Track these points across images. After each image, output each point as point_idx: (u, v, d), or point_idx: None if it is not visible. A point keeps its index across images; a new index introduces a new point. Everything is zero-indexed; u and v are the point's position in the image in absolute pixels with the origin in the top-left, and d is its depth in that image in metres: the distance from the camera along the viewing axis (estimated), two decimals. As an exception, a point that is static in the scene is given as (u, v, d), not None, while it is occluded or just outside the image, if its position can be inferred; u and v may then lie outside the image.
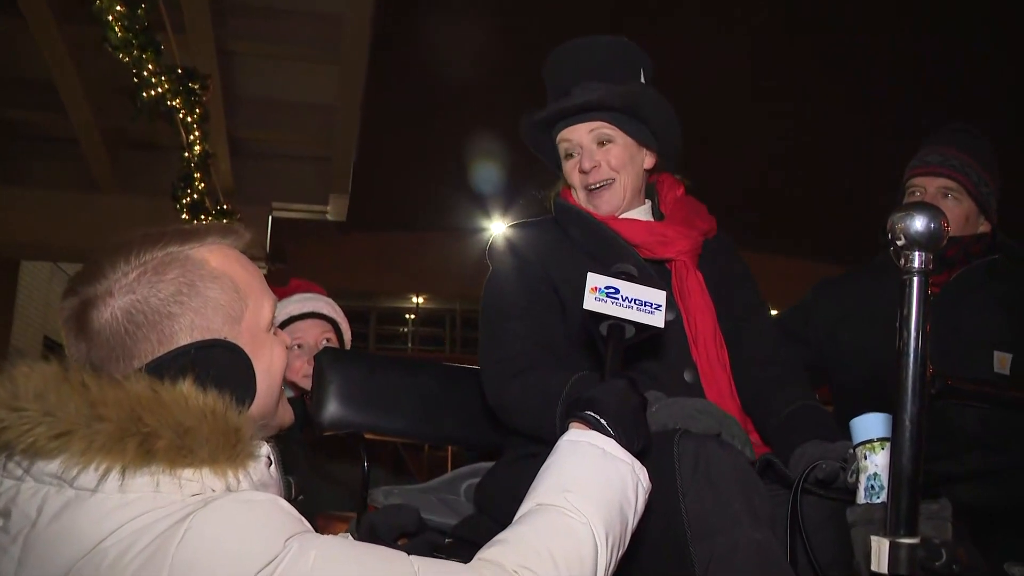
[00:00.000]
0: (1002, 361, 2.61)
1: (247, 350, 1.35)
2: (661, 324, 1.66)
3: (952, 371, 2.46)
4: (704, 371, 2.11)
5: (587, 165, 2.20)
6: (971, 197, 2.67)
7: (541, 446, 1.78)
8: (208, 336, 1.31)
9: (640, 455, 1.49)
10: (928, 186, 2.69)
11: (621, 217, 2.25)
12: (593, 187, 2.22)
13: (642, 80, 2.25)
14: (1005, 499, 2.47)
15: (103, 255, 1.33)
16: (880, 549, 1.18)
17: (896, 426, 1.20)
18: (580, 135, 2.21)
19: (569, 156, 2.25)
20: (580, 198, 2.26)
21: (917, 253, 1.21)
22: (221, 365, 1.30)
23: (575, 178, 2.24)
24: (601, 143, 2.20)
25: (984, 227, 2.72)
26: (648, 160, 2.27)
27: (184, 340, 1.29)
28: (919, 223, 1.20)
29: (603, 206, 2.22)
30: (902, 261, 1.22)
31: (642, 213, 2.29)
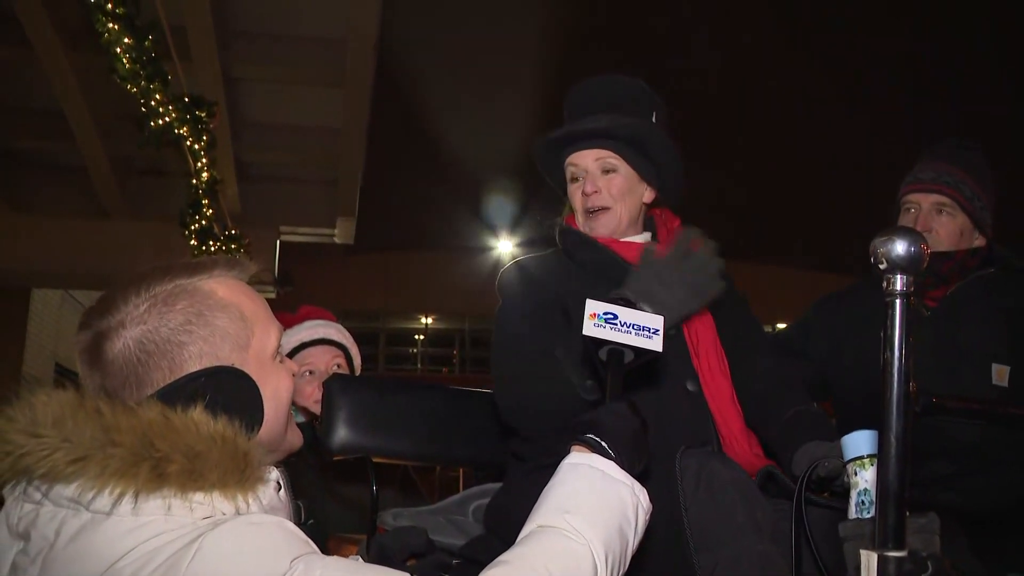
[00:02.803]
0: (1000, 373, 2.63)
1: (254, 376, 1.39)
2: (659, 348, 1.71)
3: (951, 384, 2.52)
4: (706, 380, 2.19)
5: (589, 189, 2.30)
6: (965, 212, 2.70)
7: (544, 465, 1.82)
8: (216, 363, 1.36)
9: (641, 476, 1.53)
10: (923, 202, 2.72)
11: (622, 240, 2.34)
12: (591, 210, 2.32)
13: (653, 121, 2.35)
14: (1005, 509, 2.50)
15: (115, 289, 1.39)
16: (869, 562, 1.22)
17: (882, 443, 1.24)
18: (587, 161, 2.32)
19: (575, 180, 2.35)
20: (580, 220, 2.36)
21: (899, 276, 1.25)
22: (229, 391, 1.35)
23: (577, 200, 2.35)
24: (605, 171, 2.31)
25: (979, 241, 2.75)
26: (648, 195, 2.37)
27: (194, 367, 1.34)
28: (900, 247, 1.24)
29: (599, 228, 2.33)
30: (885, 284, 1.26)
31: (640, 240, 2.37)
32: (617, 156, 2.30)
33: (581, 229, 2.36)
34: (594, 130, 2.29)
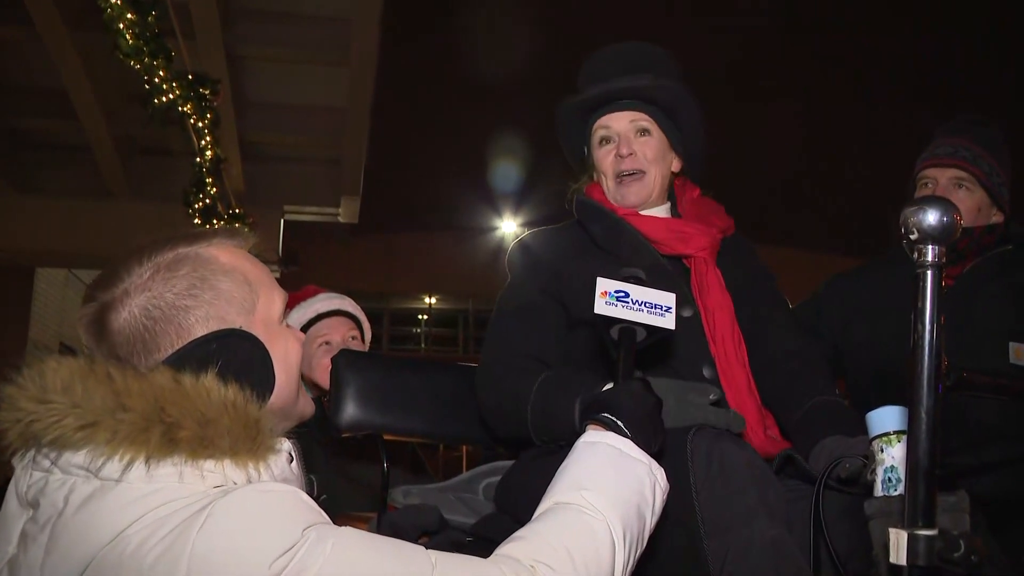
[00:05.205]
0: (1018, 352, 2.59)
1: (262, 340, 1.38)
2: (672, 326, 1.68)
3: (968, 363, 2.47)
4: (722, 367, 2.13)
5: (625, 151, 2.23)
6: (983, 187, 2.67)
7: (561, 445, 1.79)
8: (224, 326, 1.35)
9: (656, 456, 1.51)
10: (939, 177, 2.69)
11: (642, 214, 2.27)
12: (625, 174, 2.24)
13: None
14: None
15: (117, 262, 1.38)
16: (898, 541, 1.19)
17: (912, 419, 1.20)
18: (621, 123, 2.24)
19: (606, 142, 2.27)
20: (608, 187, 2.29)
21: (930, 247, 1.21)
22: (239, 354, 1.34)
23: (608, 164, 2.27)
24: (640, 133, 2.24)
25: (996, 217, 2.71)
26: (676, 164, 2.32)
27: (200, 332, 1.33)
28: (932, 217, 1.20)
29: (631, 196, 2.25)
30: (915, 255, 1.22)
31: (661, 212, 2.32)
32: (651, 119, 2.24)
33: (610, 197, 2.28)
34: (634, 88, 2.22)
